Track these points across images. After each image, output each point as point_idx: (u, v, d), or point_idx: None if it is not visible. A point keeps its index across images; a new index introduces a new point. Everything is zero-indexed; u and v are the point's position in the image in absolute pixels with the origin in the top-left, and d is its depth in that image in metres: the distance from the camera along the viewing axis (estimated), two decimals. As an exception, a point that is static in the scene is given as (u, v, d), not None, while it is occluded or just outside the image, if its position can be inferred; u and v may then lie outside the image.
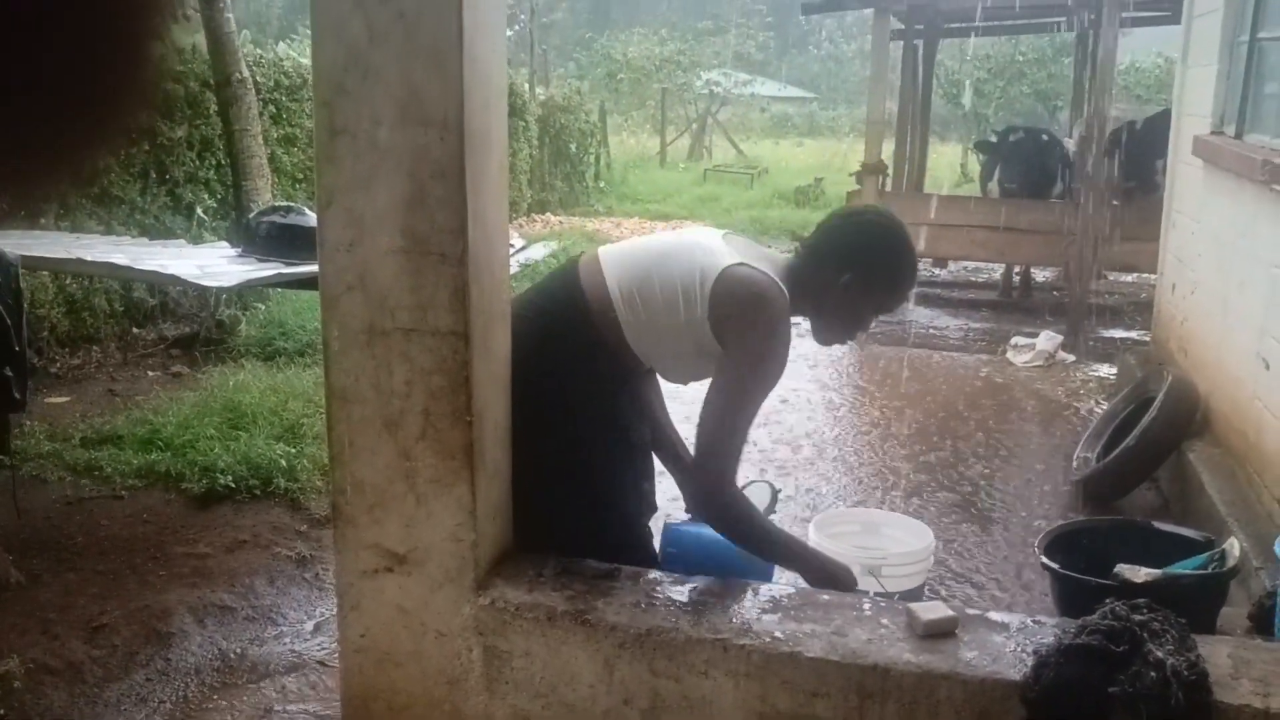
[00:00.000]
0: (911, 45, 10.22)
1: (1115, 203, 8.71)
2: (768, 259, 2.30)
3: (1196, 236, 5.46)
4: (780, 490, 2.82)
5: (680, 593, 2.11)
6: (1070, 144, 9.01)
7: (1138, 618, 1.96)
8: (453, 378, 2.01)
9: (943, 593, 3.82)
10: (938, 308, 8.98)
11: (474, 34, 1.92)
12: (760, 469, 5.04)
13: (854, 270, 2.23)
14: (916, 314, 8.86)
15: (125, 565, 3.78)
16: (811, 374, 6.96)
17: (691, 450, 2.26)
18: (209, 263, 3.92)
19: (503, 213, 2.16)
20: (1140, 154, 8.61)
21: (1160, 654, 1.84)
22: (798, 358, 7.32)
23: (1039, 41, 18.91)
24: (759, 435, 5.52)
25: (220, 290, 4.34)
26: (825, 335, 2.45)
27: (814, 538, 3.23)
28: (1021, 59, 19.94)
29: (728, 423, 2.17)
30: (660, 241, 2.36)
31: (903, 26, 9.95)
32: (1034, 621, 2.04)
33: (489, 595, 2.09)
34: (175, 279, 3.27)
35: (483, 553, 2.11)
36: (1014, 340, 7.54)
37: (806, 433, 5.71)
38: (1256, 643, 2.03)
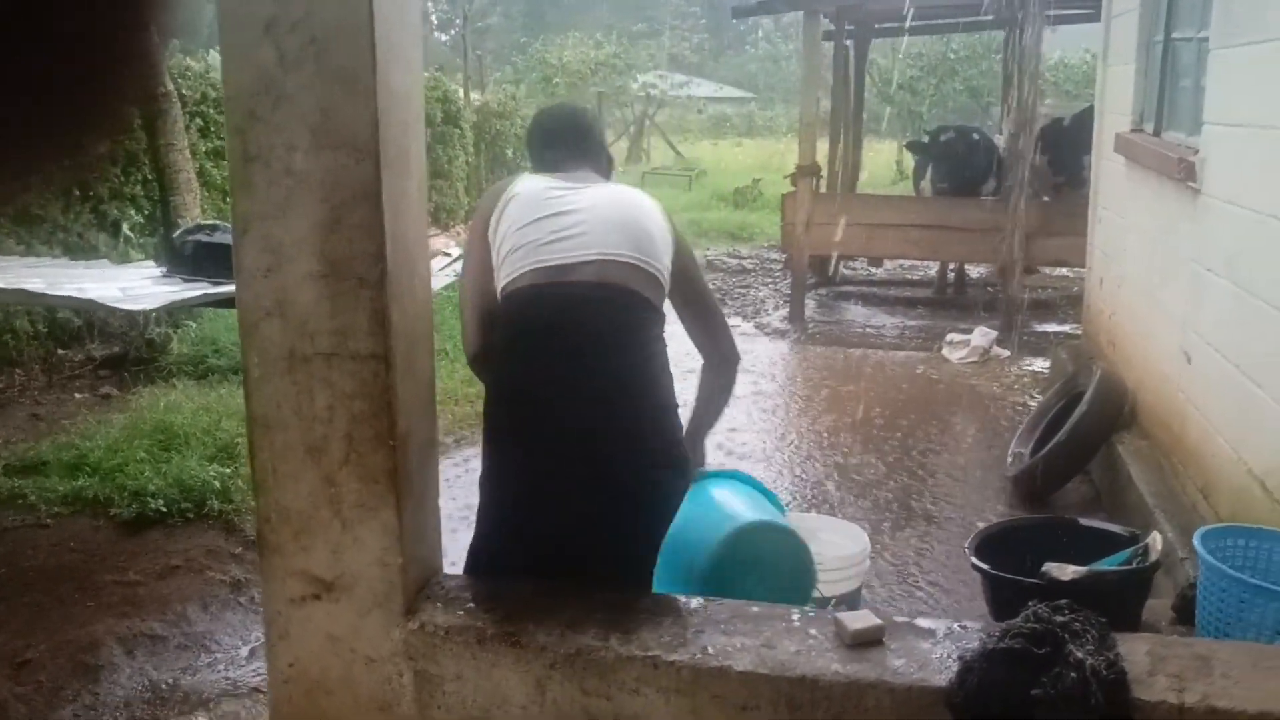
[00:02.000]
0: (842, 46, 10.32)
1: (1045, 199, 8.88)
2: (594, 176, 2.52)
3: (1122, 232, 5.57)
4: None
5: (611, 610, 2.11)
6: (1001, 141, 9.16)
7: (1059, 619, 1.99)
8: (375, 401, 1.99)
9: (881, 594, 3.86)
10: (874, 306, 9.09)
11: (387, 57, 1.90)
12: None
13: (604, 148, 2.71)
14: (853, 312, 8.96)
15: (51, 597, 3.69)
16: (747, 375, 6.99)
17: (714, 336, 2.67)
18: (132, 283, 3.83)
19: (423, 234, 2.14)
20: (1069, 150, 8.78)
21: (1080, 654, 1.87)
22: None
23: (970, 39, 19.18)
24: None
25: (142, 313, 4.25)
26: None
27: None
28: (954, 56, 20.20)
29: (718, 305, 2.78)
30: (611, 210, 2.33)
31: (834, 27, 10.04)
32: (960, 626, 2.06)
33: (418, 619, 2.07)
34: (93, 304, 3.19)
35: (411, 577, 2.09)
36: (949, 337, 7.64)
37: (741, 435, 5.74)
38: (1173, 639, 2.08)
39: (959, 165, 8.55)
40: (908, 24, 10.08)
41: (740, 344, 8.42)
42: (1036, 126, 8.70)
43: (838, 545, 3.32)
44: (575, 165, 2.47)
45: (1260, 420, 3.27)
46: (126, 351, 6.62)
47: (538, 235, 2.22)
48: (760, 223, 12.53)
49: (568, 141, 2.55)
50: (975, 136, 9.08)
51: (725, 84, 34.95)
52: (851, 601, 3.19)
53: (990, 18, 10.11)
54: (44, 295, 3.26)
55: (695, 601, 2.17)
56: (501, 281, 2.23)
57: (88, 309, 4.40)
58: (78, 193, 7.18)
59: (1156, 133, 5.03)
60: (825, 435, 5.74)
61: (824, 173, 9.29)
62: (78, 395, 6.22)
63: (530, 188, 2.34)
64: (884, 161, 19.90)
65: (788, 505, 4.75)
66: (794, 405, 6.42)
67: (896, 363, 7.34)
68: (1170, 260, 4.43)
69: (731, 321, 8.44)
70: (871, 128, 21.66)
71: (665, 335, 2.38)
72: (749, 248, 11.84)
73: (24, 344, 6.55)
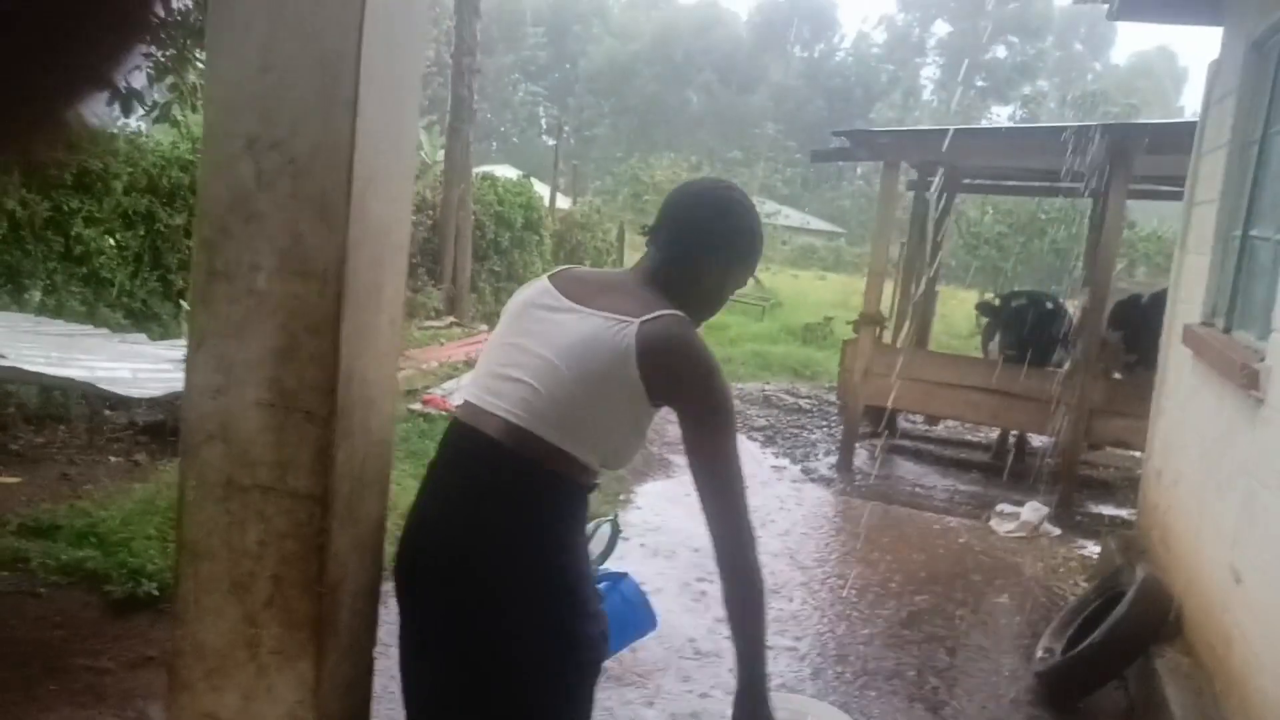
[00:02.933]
0: (923, 196, 10.26)
1: (1116, 376, 8.60)
2: (628, 290, 2.05)
3: (1183, 426, 5.31)
4: (621, 531, 2.57)
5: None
6: (1075, 310, 8.93)
7: None
8: (306, 544, 1.87)
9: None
10: (927, 464, 8.82)
11: (366, 186, 1.83)
12: (706, 629, 4.83)
13: (717, 254, 2.09)
14: (905, 469, 8.69)
15: (18, 675, 3.60)
16: (782, 521, 6.76)
17: (711, 520, 2.00)
18: (156, 364, 3.82)
19: (389, 372, 2.04)
20: (1144, 328, 8.50)
21: None
22: (777, 500, 7.16)
23: (1063, 201, 19.08)
24: (704, 594, 5.32)
25: (141, 398, 4.23)
26: (702, 319, 2.17)
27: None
28: (1044, 216, 20.09)
29: (730, 492, 1.98)
30: (535, 355, 1.97)
31: (918, 177, 10.02)
32: None
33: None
34: (90, 386, 3.15)
35: (324, 738, 1.94)
36: (999, 508, 7.34)
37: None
38: None
39: (1027, 333, 8.35)
40: (989, 182, 10.00)
41: (784, 489, 8.17)
42: (1112, 301, 8.50)
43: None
44: (647, 259, 2.12)
45: (1302, 664, 2.99)
46: (165, 420, 6.64)
47: (486, 361, 2.04)
48: (826, 361, 12.38)
49: (665, 224, 2.12)
50: (1048, 304, 8.88)
51: (816, 216, 35.25)
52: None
53: (1079, 184, 10.01)
54: (40, 375, 3.24)
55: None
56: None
57: (85, 390, 4.24)
58: (148, 260, 7.35)
59: (1226, 330, 4.81)
60: (848, 600, 5.47)
61: (890, 322, 9.15)
62: (112, 459, 6.23)
63: (526, 295, 2.09)
64: (965, 311, 19.68)
65: (799, 677, 4.50)
66: (823, 562, 6.16)
67: (941, 528, 7.05)
68: (1227, 468, 4.17)
69: (779, 463, 8.35)
70: (959, 276, 21.55)
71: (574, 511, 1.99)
72: (809, 386, 11.68)
73: (72, 401, 6.61)
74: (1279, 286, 3.88)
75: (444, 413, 7.12)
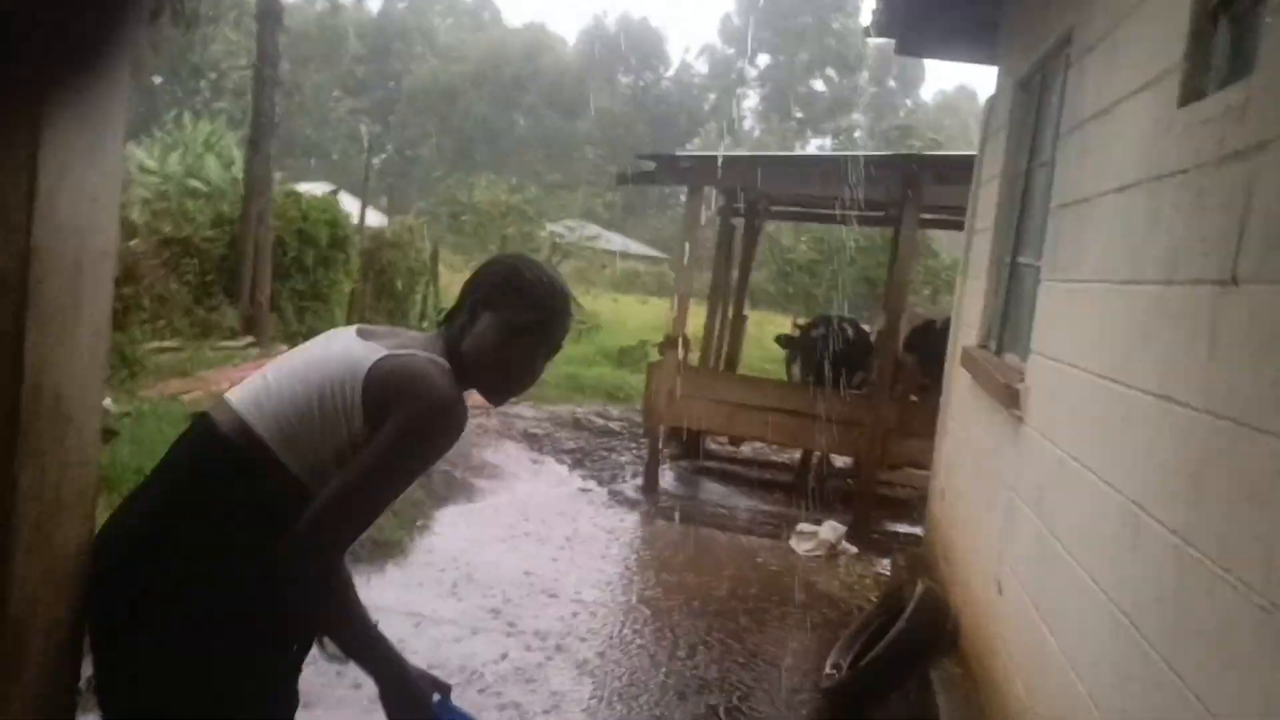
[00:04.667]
0: (727, 224, 10.48)
1: (913, 398, 8.94)
2: (413, 341, 2.17)
3: (962, 446, 5.53)
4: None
5: None
6: (874, 335, 9.26)
7: None
8: (-18, 578, 1.68)
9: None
10: (732, 485, 8.94)
11: (55, 183, 1.67)
12: (501, 655, 4.72)
13: (499, 309, 2.15)
14: (710, 490, 8.79)
15: None
16: (586, 544, 6.72)
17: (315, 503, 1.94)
18: None
19: (91, 388, 1.87)
20: (938, 352, 8.88)
21: None
22: (582, 522, 7.12)
23: (872, 230, 19.88)
24: (506, 622, 5.22)
25: None
26: (496, 392, 2.21)
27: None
28: (854, 245, 20.86)
29: (361, 487, 1.93)
30: (291, 367, 2.11)
31: (725, 204, 10.21)
32: None
33: None
34: None
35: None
36: (799, 527, 7.49)
37: (555, 607, 5.44)
38: None
39: (827, 358, 8.59)
40: (794, 209, 10.29)
41: (589, 511, 8.16)
42: (907, 325, 8.85)
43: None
44: (436, 333, 2.22)
45: (1048, 670, 3.11)
46: None
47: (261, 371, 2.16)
48: (638, 385, 12.43)
49: (464, 294, 2.23)
50: (848, 330, 9.17)
51: (639, 241, 35.64)
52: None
53: (877, 214, 10.41)
54: None
55: None
56: None
57: None
58: None
59: (998, 352, 5.04)
60: (645, 620, 5.46)
61: (699, 341, 9.26)
62: None
63: (334, 332, 2.26)
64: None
65: (578, 696, 4.43)
66: (622, 583, 6.14)
67: (742, 548, 7.14)
68: (994, 485, 4.34)
69: (586, 485, 8.31)
70: (776, 302, 22.12)
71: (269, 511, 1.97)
72: (621, 409, 11.72)
73: None
74: (1037, 310, 4.07)
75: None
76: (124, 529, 2.01)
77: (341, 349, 2.09)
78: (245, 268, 11.01)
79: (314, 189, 15.00)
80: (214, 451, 2.01)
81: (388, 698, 2.08)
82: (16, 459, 1.67)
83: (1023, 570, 3.63)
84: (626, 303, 24.02)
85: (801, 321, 10.40)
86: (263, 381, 2.10)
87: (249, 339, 10.70)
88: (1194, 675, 2.06)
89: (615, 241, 28.51)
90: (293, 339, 11.40)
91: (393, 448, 1.95)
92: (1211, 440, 2.11)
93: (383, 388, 1.99)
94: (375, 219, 16.77)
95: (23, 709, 1.76)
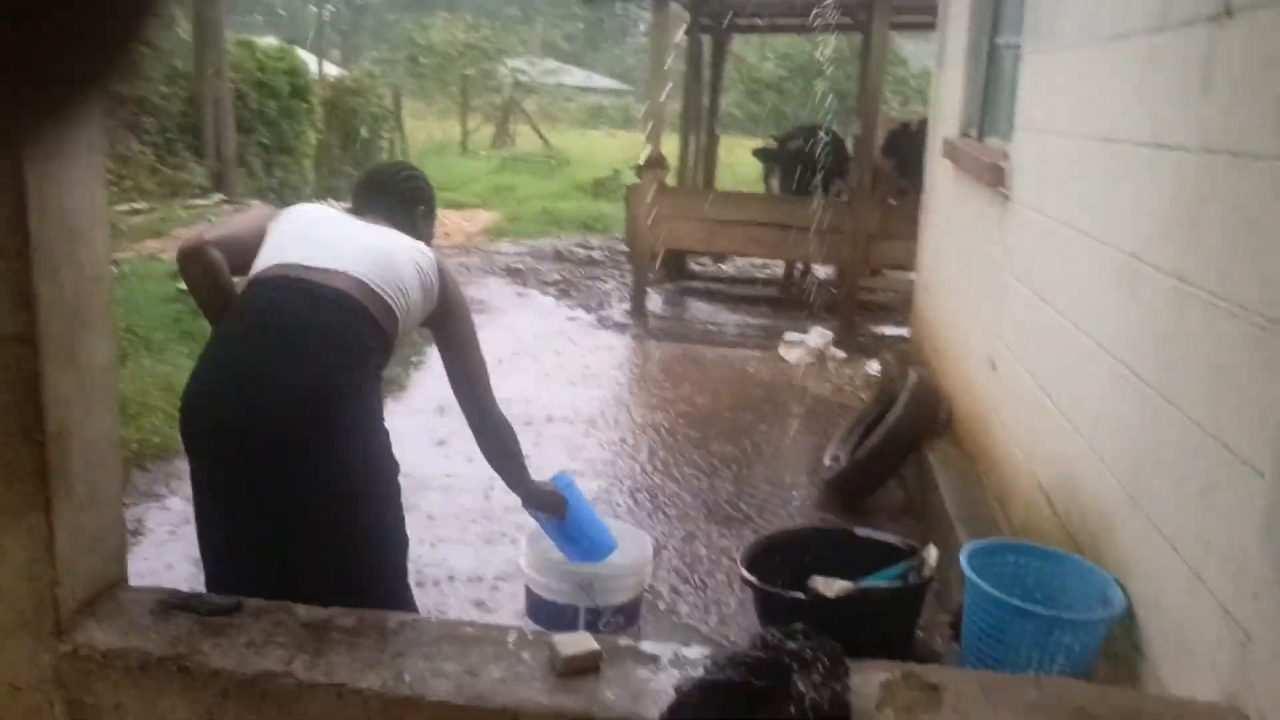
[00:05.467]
0: (697, 39, 10.21)
1: (892, 201, 8.93)
2: (393, 230, 2.56)
3: (946, 237, 5.57)
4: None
5: (304, 629, 1.88)
6: (850, 142, 9.18)
7: (790, 646, 1.84)
8: (18, 391, 1.72)
9: (668, 602, 3.71)
10: (719, 303, 9.01)
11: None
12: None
13: (422, 206, 2.70)
14: (697, 309, 8.86)
15: None
16: (583, 369, 6.81)
17: (475, 396, 2.57)
18: None
19: (97, 201, 1.86)
20: (915, 154, 8.82)
21: (803, 686, 1.72)
22: (570, 351, 7.20)
23: (839, 41, 19.42)
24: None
25: None
26: None
27: (526, 553, 3.06)
28: (821, 58, 20.42)
29: (481, 363, 2.58)
30: (352, 238, 2.43)
31: (691, 20, 9.93)
32: (688, 653, 1.89)
33: (73, 641, 1.80)
34: None
35: (68, 591, 1.82)
36: (787, 337, 7.59)
37: (559, 426, 5.56)
38: (912, 667, 1.95)
39: (805, 171, 8.54)
40: (764, 19, 10.03)
41: (579, 338, 8.24)
42: (883, 130, 8.76)
43: (622, 551, 3.15)
44: (378, 221, 2.57)
45: (1047, 431, 3.22)
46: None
47: (298, 241, 2.38)
48: (615, 214, 12.34)
49: (379, 204, 2.62)
50: (825, 137, 9.07)
51: (602, 74, 34.78)
52: (630, 612, 3.03)
53: (846, 20, 10.16)
54: None
55: (406, 619, 1.96)
56: (253, 271, 2.34)
57: None
58: None
59: (980, 138, 5.02)
60: (651, 432, 5.59)
61: (674, 168, 9.17)
62: None
63: (319, 209, 2.58)
64: (751, 158, 19.97)
65: (595, 503, 4.58)
66: (621, 401, 6.25)
67: (733, 361, 7.25)
68: (984, 267, 4.40)
69: (573, 314, 8.36)
70: (743, 125, 21.78)
71: (380, 369, 2.40)
72: (601, 239, 11.68)
73: None
74: (1019, 88, 4.04)
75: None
76: (292, 388, 2.18)
77: (393, 237, 2.48)
78: (206, 123, 10.72)
79: (255, 41, 14.50)
80: (361, 317, 2.29)
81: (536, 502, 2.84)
82: (33, 271, 1.68)
83: (1017, 343, 3.71)
84: (594, 137, 23.59)
85: (777, 135, 10.27)
86: (350, 250, 2.37)
87: (219, 196, 10.51)
88: (1192, 404, 2.14)
89: (577, 75, 27.80)
90: (262, 194, 11.22)
91: (472, 326, 2.57)
92: (1207, 177, 2.14)
93: (445, 277, 2.49)
94: (331, 71, 16.26)
95: (74, 514, 1.82)
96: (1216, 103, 2.12)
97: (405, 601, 2.45)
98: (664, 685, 1.79)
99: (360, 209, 2.61)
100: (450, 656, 1.83)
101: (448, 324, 2.51)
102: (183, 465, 4.69)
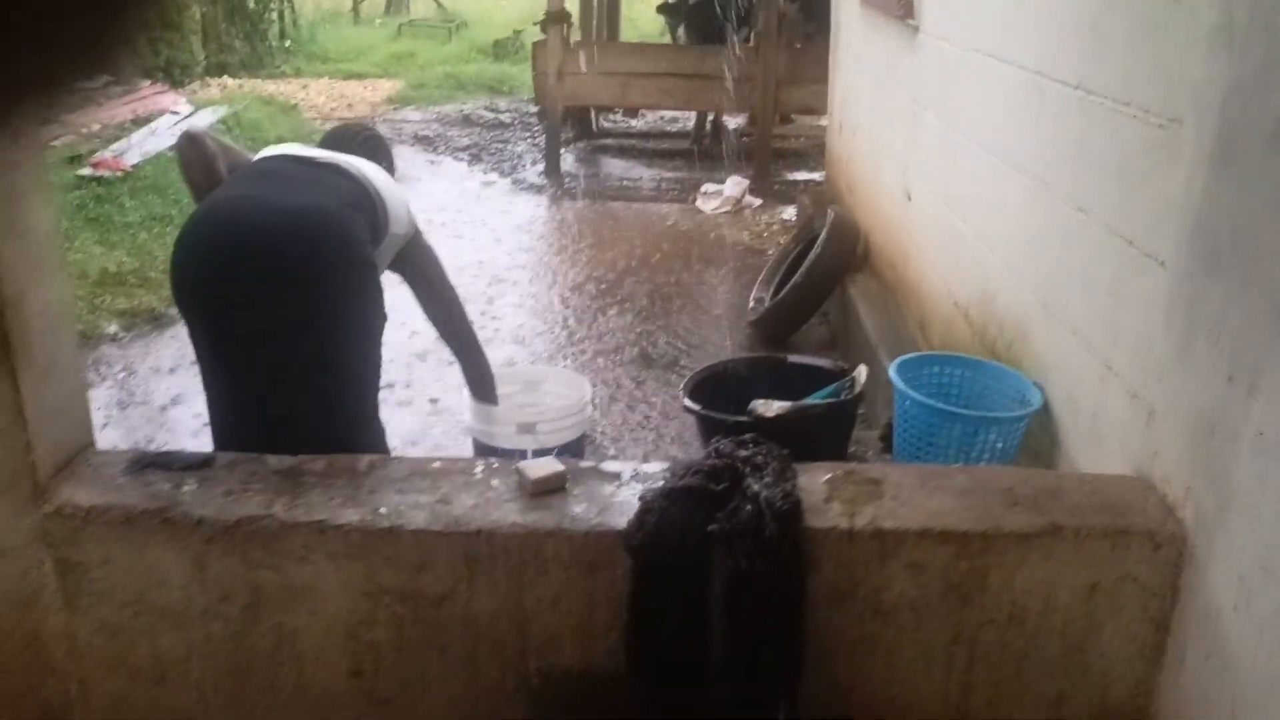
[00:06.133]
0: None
1: (798, 46, 8.90)
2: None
3: (857, 76, 5.62)
4: None
5: (278, 475, 1.96)
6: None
7: (742, 454, 1.97)
8: (-34, 260, 1.72)
9: (610, 440, 3.86)
10: (632, 159, 9.00)
11: None
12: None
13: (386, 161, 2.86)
14: (611, 166, 8.85)
15: None
16: (501, 230, 6.82)
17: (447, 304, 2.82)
18: None
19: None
20: (819, -2, 8.80)
21: (757, 487, 1.86)
22: (487, 214, 7.18)
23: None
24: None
25: None
26: None
27: (470, 405, 3.15)
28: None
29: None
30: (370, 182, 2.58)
31: None
32: (647, 468, 2.02)
33: (54, 502, 1.86)
34: None
35: (42, 456, 1.87)
36: (704, 188, 7.66)
37: (493, 290, 5.60)
38: (852, 465, 2.11)
39: (708, 21, 8.45)
40: None
41: (497, 201, 8.24)
42: (787, -28, 8.68)
43: (560, 395, 3.26)
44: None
45: (962, 253, 3.38)
46: None
47: (279, 152, 2.66)
48: (520, 75, 12.10)
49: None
50: (728, -17, 8.96)
51: (492, -68, 33.44)
52: (574, 451, 3.15)
53: None
54: None
55: (371, 460, 2.05)
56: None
57: None
58: None
59: (885, -27, 5.04)
60: (575, 288, 5.66)
61: (573, 21, 9.01)
62: None
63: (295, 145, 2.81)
64: (652, 15, 19.54)
65: (536, 358, 4.68)
66: (545, 260, 6.29)
67: (652, 215, 7.30)
68: (895, 101, 4.48)
69: (488, 178, 8.29)
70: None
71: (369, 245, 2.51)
72: (508, 101, 11.47)
73: None
74: (926, -82, 4.06)
75: (119, 173, 6.55)
76: (285, 209, 2.35)
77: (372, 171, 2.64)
78: None
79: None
80: (364, 194, 2.52)
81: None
82: (-29, 138, 1.67)
83: (931, 172, 3.84)
84: (489, -2, 22.84)
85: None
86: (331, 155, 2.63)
87: (106, 78, 10.01)
88: (1100, 207, 2.29)
89: (468, -67, 26.69)
90: (151, 74, 10.73)
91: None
92: (1109, -13, 2.23)
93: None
94: (206, -64, 15.39)
95: (38, 381, 1.85)
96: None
97: (380, 435, 2.65)
98: (627, 498, 1.91)
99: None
100: (422, 490, 1.93)
101: (418, 244, 2.72)
102: (107, 351, 4.70)
